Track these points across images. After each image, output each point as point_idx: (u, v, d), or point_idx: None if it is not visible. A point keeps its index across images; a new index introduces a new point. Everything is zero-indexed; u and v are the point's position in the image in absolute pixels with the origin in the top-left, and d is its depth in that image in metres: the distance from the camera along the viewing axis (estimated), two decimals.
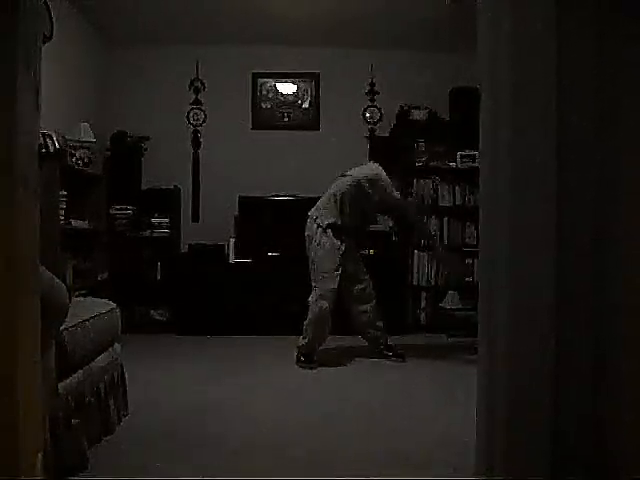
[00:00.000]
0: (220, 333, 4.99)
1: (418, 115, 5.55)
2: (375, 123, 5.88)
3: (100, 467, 2.18)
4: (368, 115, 5.88)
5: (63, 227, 3.94)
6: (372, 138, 5.85)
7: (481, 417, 1.88)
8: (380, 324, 4.11)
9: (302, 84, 5.91)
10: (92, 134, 4.78)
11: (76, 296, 3.56)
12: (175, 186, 5.62)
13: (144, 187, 5.54)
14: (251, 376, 3.69)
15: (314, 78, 5.88)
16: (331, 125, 5.85)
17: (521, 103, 1.75)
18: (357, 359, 4.05)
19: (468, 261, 5.43)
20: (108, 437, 2.50)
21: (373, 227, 5.54)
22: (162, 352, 4.44)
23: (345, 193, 4.05)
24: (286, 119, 5.91)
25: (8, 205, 1.19)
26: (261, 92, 5.91)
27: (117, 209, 5.33)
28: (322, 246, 4.00)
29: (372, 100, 5.87)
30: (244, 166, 5.65)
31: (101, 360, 2.55)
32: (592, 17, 1.75)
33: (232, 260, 5.25)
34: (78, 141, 4.60)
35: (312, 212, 4.12)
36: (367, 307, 4.06)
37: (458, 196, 5.51)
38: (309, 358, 3.95)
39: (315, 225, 4.04)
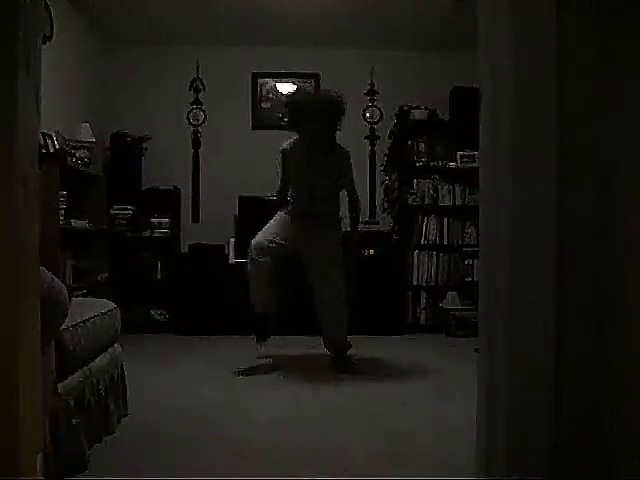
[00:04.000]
0: (220, 333, 4.99)
1: (418, 115, 5.55)
2: (375, 123, 5.88)
3: (100, 467, 2.17)
4: (368, 115, 5.88)
5: (63, 227, 3.94)
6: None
7: (481, 417, 1.88)
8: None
9: (302, 84, 5.91)
10: (92, 134, 4.78)
11: (76, 296, 3.56)
12: (175, 186, 5.62)
13: (144, 187, 5.54)
14: (251, 376, 3.69)
15: (314, 78, 5.88)
16: None
17: (521, 103, 1.75)
18: (356, 358, 4.04)
19: (468, 261, 5.43)
20: (108, 437, 2.50)
21: (373, 227, 5.56)
22: (162, 352, 4.44)
23: None
24: (286, 119, 5.90)
25: (8, 205, 1.19)
26: (261, 92, 5.91)
27: (117, 209, 5.33)
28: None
29: (372, 100, 5.87)
30: (244, 166, 5.64)
31: (101, 360, 2.55)
32: (593, 17, 1.75)
33: (232, 260, 5.25)
34: (78, 141, 4.60)
35: None
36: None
37: (458, 196, 5.51)
38: (258, 328, 3.81)
39: None
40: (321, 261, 3.84)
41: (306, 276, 3.90)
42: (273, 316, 3.92)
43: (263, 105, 5.90)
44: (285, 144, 3.88)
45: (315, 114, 3.57)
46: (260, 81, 5.90)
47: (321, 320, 3.92)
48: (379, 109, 5.86)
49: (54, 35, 4.26)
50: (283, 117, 3.69)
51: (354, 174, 3.98)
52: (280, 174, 3.92)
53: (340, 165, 3.84)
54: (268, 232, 3.84)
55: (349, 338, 3.97)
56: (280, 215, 3.92)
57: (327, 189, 3.86)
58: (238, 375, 3.70)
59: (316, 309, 3.91)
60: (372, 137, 5.88)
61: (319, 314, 3.91)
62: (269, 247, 3.78)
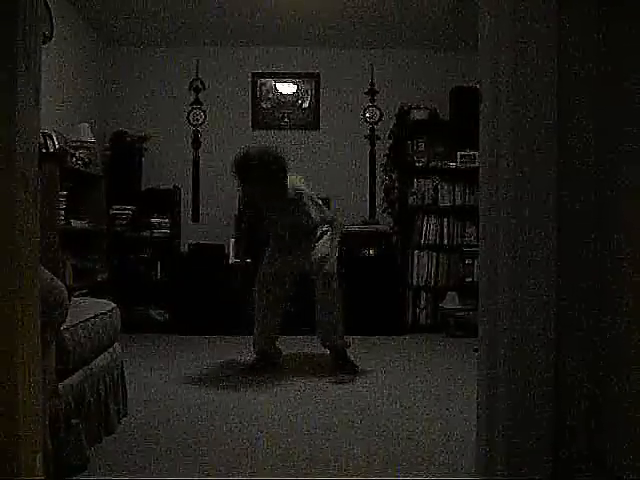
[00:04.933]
0: (220, 333, 5.00)
1: (418, 115, 5.55)
2: (375, 123, 5.88)
3: (100, 467, 2.18)
4: (368, 115, 5.88)
5: (63, 227, 3.94)
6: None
7: (481, 417, 1.88)
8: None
9: (302, 84, 5.91)
10: (92, 134, 4.78)
11: (76, 296, 3.56)
12: (175, 186, 5.62)
13: (144, 187, 5.54)
14: (251, 376, 3.69)
15: (314, 78, 5.88)
16: (331, 125, 5.85)
17: (521, 103, 1.75)
18: (356, 358, 4.04)
19: (468, 261, 5.43)
20: (108, 437, 2.50)
21: (373, 227, 5.56)
22: (162, 352, 4.44)
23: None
24: (286, 119, 5.91)
25: (8, 205, 1.19)
26: (261, 92, 5.91)
27: (117, 209, 5.33)
28: None
29: (372, 100, 5.87)
30: None
31: (101, 360, 2.55)
32: (593, 17, 1.75)
33: (232, 260, 5.25)
34: (78, 141, 4.60)
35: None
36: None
37: (458, 196, 5.51)
38: (259, 361, 3.84)
39: None
40: (312, 266, 3.80)
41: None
42: (275, 354, 3.98)
43: (263, 105, 5.90)
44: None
45: (255, 179, 3.52)
46: (260, 81, 5.90)
47: (317, 321, 3.90)
48: (379, 109, 5.86)
49: (54, 35, 4.26)
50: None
51: (319, 202, 3.84)
52: (241, 206, 3.95)
53: (300, 207, 3.74)
54: (269, 263, 3.88)
55: (348, 338, 3.96)
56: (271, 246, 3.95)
57: (298, 227, 3.81)
58: (250, 373, 3.72)
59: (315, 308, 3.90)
60: (372, 137, 5.88)
61: (316, 315, 3.89)
62: (275, 277, 3.82)
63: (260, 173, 3.47)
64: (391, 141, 5.77)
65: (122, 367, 2.87)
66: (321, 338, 3.95)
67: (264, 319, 3.87)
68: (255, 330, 3.91)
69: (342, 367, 3.83)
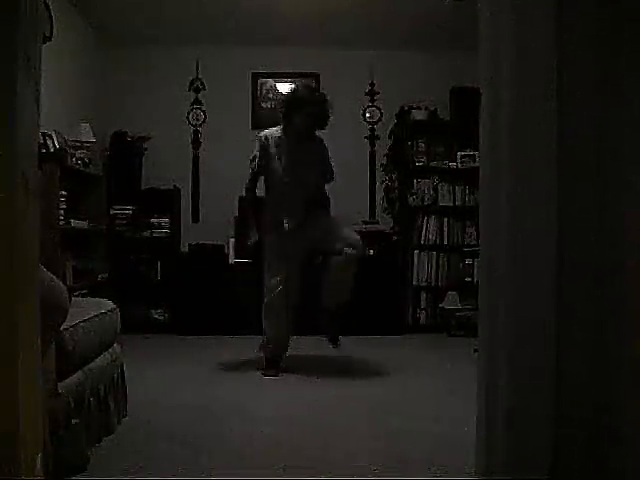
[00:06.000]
0: (220, 333, 5.00)
1: (418, 115, 5.55)
2: (375, 123, 5.88)
3: (100, 467, 2.17)
4: (368, 115, 5.88)
5: (63, 227, 3.94)
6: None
7: (481, 417, 1.88)
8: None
9: (302, 83, 5.90)
10: (92, 134, 4.78)
11: (76, 296, 3.56)
12: (175, 186, 5.62)
13: (144, 187, 5.54)
14: (251, 376, 3.69)
15: (314, 78, 5.88)
16: (331, 125, 5.83)
17: (521, 103, 1.75)
18: (356, 358, 4.04)
19: (468, 261, 5.43)
20: (108, 437, 2.49)
21: (373, 227, 5.56)
22: (162, 352, 4.44)
23: None
24: (281, 110, 5.90)
25: (8, 205, 1.19)
26: (261, 92, 5.91)
27: (117, 209, 5.33)
28: None
29: (372, 100, 5.87)
30: (244, 166, 5.63)
31: (101, 360, 2.55)
32: (593, 16, 1.75)
33: (232, 260, 5.25)
34: (78, 141, 4.60)
35: None
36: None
37: (458, 196, 5.51)
38: (272, 363, 3.74)
39: None
40: (329, 233, 3.77)
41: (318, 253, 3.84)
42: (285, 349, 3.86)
43: (263, 105, 5.91)
44: (266, 132, 3.86)
45: (312, 112, 3.73)
46: (260, 81, 5.90)
47: (330, 272, 3.76)
48: (379, 109, 5.86)
49: (54, 35, 4.26)
50: (279, 109, 3.84)
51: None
52: (255, 164, 3.91)
53: (322, 155, 3.92)
54: (273, 270, 3.78)
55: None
56: (270, 241, 3.88)
57: (313, 185, 3.86)
58: (265, 375, 3.68)
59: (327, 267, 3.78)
60: (372, 137, 5.88)
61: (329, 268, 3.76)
62: (285, 284, 3.72)
63: (323, 108, 3.77)
64: (391, 141, 5.77)
65: (122, 367, 2.86)
66: (329, 290, 3.80)
67: (279, 331, 3.76)
68: (267, 338, 3.79)
69: (328, 331, 3.78)
